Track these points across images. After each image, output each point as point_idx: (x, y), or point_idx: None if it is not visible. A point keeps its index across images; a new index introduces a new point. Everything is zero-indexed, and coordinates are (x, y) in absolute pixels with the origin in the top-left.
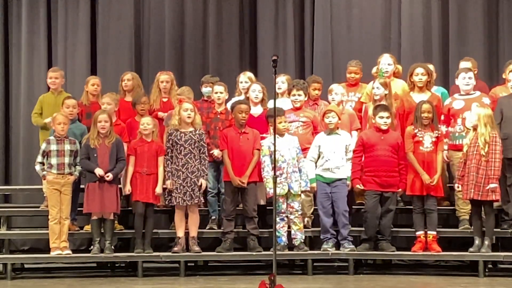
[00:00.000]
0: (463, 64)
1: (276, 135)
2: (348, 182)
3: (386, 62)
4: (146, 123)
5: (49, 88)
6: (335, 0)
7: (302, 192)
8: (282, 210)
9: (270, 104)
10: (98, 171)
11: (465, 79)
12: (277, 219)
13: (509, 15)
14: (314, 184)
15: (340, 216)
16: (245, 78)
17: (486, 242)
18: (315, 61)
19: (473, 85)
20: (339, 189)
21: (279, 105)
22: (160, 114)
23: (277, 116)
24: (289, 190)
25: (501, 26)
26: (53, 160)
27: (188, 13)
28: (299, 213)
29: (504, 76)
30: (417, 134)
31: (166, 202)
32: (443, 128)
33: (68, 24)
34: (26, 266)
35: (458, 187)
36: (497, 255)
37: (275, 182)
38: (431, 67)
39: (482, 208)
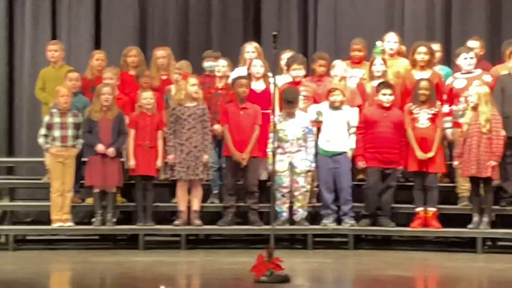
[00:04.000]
0: (471, 43)
1: (286, 115)
2: (351, 154)
3: (391, 40)
4: (149, 97)
5: (50, 62)
6: None
7: (307, 172)
8: (285, 185)
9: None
10: (99, 148)
11: (466, 59)
12: (279, 194)
13: None
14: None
15: (343, 192)
16: (251, 48)
17: (485, 219)
18: (319, 37)
19: (474, 64)
20: (341, 165)
21: (282, 82)
22: None
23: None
24: (292, 168)
25: (504, 4)
26: (56, 133)
27: None
28: (304, 190)
29: (506, 54)
30: (413, 111)
31: (168, 176)
32: (446, 107)
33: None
34: (28, 237)
35: (456, 164)
36: (496, 232)
37: (274, 157)
38: (436, 46)
39: (482, 185)
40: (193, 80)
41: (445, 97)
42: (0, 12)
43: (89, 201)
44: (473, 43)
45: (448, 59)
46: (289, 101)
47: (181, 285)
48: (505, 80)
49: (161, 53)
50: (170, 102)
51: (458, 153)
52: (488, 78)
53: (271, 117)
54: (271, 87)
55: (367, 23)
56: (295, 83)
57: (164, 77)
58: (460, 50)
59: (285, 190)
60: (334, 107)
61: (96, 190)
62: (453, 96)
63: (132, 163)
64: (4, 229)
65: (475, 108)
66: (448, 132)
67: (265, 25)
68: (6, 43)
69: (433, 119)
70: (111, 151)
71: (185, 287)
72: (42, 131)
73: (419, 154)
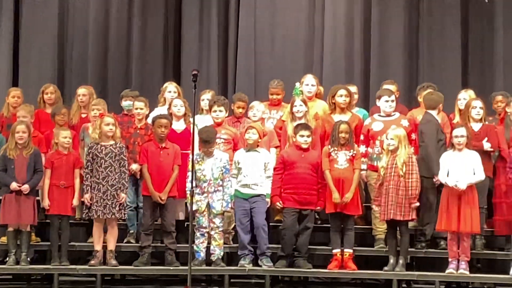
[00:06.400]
0: (386, 86)
1: (204, 154)
2: (267, 199)
3: (309, 82)
4: (68, 136)
5: None
6: (259, 18)
7: (224, 212)
8: (204, 225)
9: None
10: (13, 186)
11: (388, 102)
12: (198, 234)
13: (428, 43)
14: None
15: (259, 230)
16: (172, 87)
17: (401, 261)
18: (238, 78)
19: (394, 107)
20: (258, 205)
21: (202, 122)
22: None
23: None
24: (209, 208)
25: (421, 52)
26: None
27: (112, 26)
28: (220, 229)
29: (419, 99)
30: (331, 153)
31: (84, 215)
32: (363, 148)
33: None
34: None
35: (375, 209)
36: (411, 274)
37: (192, 197)
38: (353, 88)
39: (398, 228)
40: (108, 119)
41: (362, 138)
42: None
43: (3, 239)
44: (388, 87)
45: (367, 102)
46: (205, 141)
47: None
48: (424, 124)
49: (82, 91)
50: (87, 140)
51: (375, 197)
52: (405, 122)
53: (190, 156)
54: (191, 127)
55: (286, 65)
56: (217, 125)
57: (83, 115)
58: (381, 93)
59: (204, 230)
60: (249, 146)
61: (10, 229)
62: (369, 138)
63: (46, 203)
64: None
65: (393, 152)
66: (363, 174)
67: (185, 66)
68: None
69: (351, 160)
70: (24, 188)
71: None
72: None
73: (336, 197)
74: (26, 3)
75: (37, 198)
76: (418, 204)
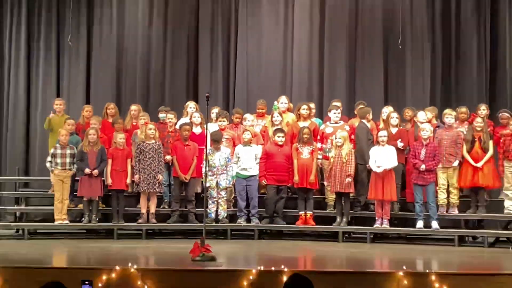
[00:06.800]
0: (334, 103)
1: (214, 149)
2: (257, 178)
3: (283, 101)
4: (123, 138)
5: (53, 111)
6: (251, 52)
7: (227, 187)
8: (213, 196)
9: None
10: (87, 171)
11: (335, 113)
12: (209, 201)
13: (362, 77)
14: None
15: (252, 200)
16: (192, 105)
17: (344, 219)
18: (236, 98)
19: (340, 117)
20: (251, 182)
21: (212, 128)
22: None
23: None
24: (217, 185)
25: (357, 81)
26: (58, 160)
27: (152, 62)
28: (224, 199)
29: (355, 112)
30: (298, 148)
31: (134, 189)
32: (319, 145)
33: (71, 68)
34: (38, 231)
35: (326, 184)
36: (351, 228)
37: (205, 177)
38: (312, 105)
39: (342, 197)
40: (150, 126)
41: (318, 137)
42: (21, 71)
43: (80, 206)
44: (335, 104)
45: (320, 114)
46: (215, 140)
47: (143, 261)
48: (358, 129)
49: (133, 107)
50: (136, 140)
51: (327, 177)
52: (347, 127)
53: (204, 151)
54: (205, 131)
55: (268, 89)
56: (222, 129)
57: (134, 123)
58: (331, 107)
59: (214, 199)
60: (245, 144)
61: (85, 199)
62: (323, 138)
63: (109, 181)
64: (22, 225)
65: (339, 147)
66: (319, 161)
67: (201, 90)
68: (25, 96)
69: (311, 153)
70: (94, 172)
71: (144, 263)
72: (48, 158)
73: (296, 179)
74: (95, 48)
75: (103, 178)
76: (350, 180)
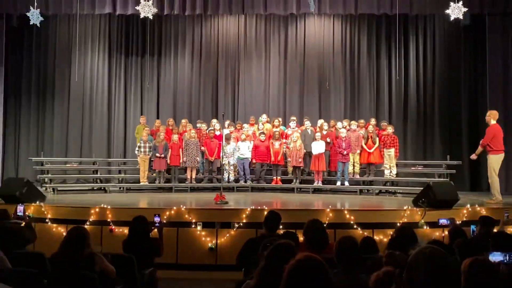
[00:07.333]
0: (292, 117)
1: (226, 143)
2: (249, 159)
3: (264, 117)
4: (177, 139)
5: (139, 122)
6: (247, 89)
7: (234, 164)
8: (226, 168)
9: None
10: (157, 155)
11: (292, 123)
12: (224, 172)
13: (307, 100)
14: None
15: (246, 171)
16: (215, 120)
17: (298, 181)
18: (239, 114)
19: (295, 125)
20: (246, 162)
21: (225, 132)
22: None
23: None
24: (228, 163)
25: (305, 104)
26: (142, 149)
27: (193, 88)
28: (232, 170)
29: (304, 123)
30: (273, 142)
31: (183, 165)
32: (284, 140)
33: (148, 99)
34: (131, 188)
35: (289, 160)
36: (301, 185)
37: (222, 158)
38: (280, 119)
39: (297, 169)
40: (192, 131)
41: (284, 136)
42: (121, 101)
43: (155, 175)
44: (293, 117)
45: (284, 123)
46: (227, 138)
47: (188, 204)
48: (304, 134)
49: (183, 120)
50: (184, 139)
51: (288, 157)
52: (299, 131)
53: (221, 144)
54: (222, 133)
55: (256, 109)
56: (230, 133)
57: (184, 129)
58: (290, 120)
59: (227, 170)
60: (243, 140)
61: (157, 170)
62: (287, 136)
63: (169, 161)
64: (122, 185)
65: (295, 142)
66: (284, 149)
67: (219, 109)
68: (123, 113)
69: (280, 145)
70: (162, 156)
71: (189, 205)
72: (136, 149)
73: (272, 159)
74: (161, 87)
75: (166, 159)
76: (301, 160)
